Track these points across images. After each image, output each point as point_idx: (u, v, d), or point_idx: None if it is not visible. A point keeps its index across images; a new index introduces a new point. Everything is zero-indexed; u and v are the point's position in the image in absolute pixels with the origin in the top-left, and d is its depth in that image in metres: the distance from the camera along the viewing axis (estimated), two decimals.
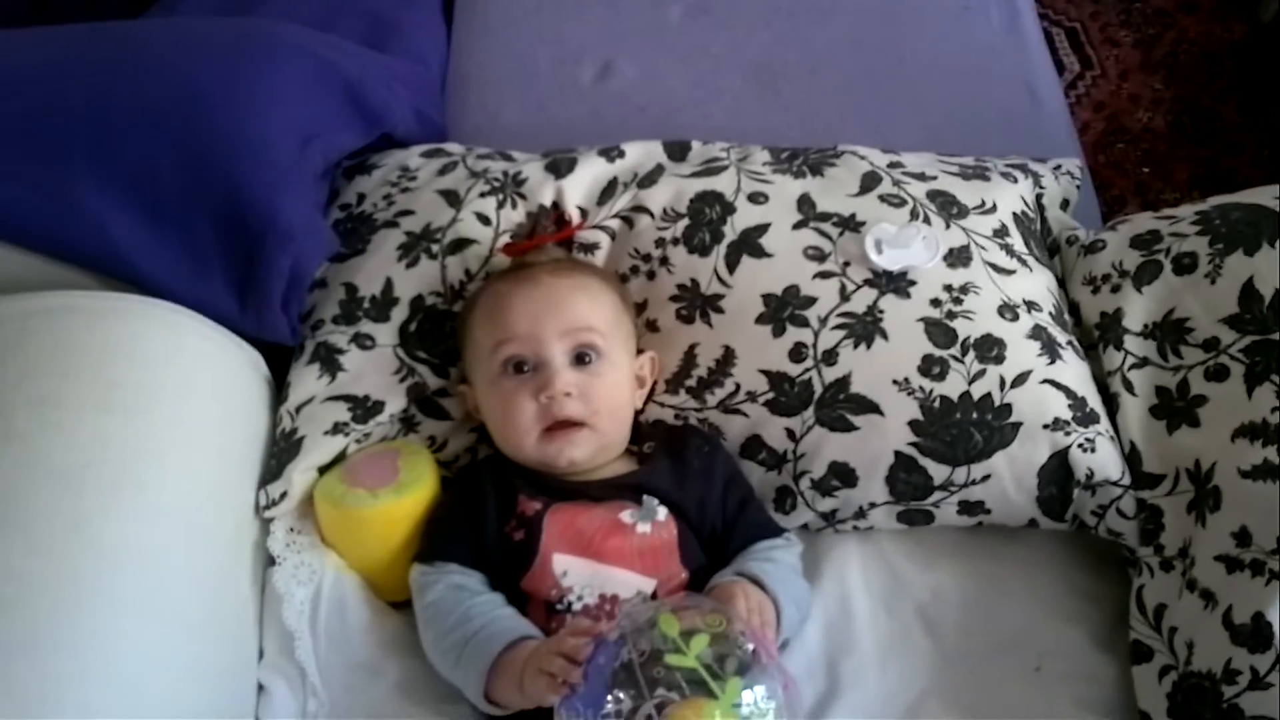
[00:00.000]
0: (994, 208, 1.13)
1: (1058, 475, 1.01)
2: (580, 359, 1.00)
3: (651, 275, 1.11)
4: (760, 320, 1.05)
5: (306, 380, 1.07)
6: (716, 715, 0.75)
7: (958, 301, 1.04)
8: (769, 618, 0.91)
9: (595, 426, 1.00)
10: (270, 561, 1.00)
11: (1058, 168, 1.25)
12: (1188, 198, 1.99)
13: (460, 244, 1.11)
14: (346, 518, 1.02)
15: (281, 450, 1.03)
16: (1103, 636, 1.03)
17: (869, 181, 1.13)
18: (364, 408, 1.06)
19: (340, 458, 1.05)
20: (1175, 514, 0.98)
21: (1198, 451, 0.97)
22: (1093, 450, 1.00)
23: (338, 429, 1.05)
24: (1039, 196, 1.21)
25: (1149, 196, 1.99)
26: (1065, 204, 1.25)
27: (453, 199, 1.14)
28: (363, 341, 1.08)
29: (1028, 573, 1.07)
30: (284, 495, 1.01)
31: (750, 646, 0.80)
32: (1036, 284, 1.09)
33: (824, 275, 1.06)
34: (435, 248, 1.11)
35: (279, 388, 1.10)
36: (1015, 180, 1.18)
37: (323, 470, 1.04)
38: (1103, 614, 1.04)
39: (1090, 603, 1.05)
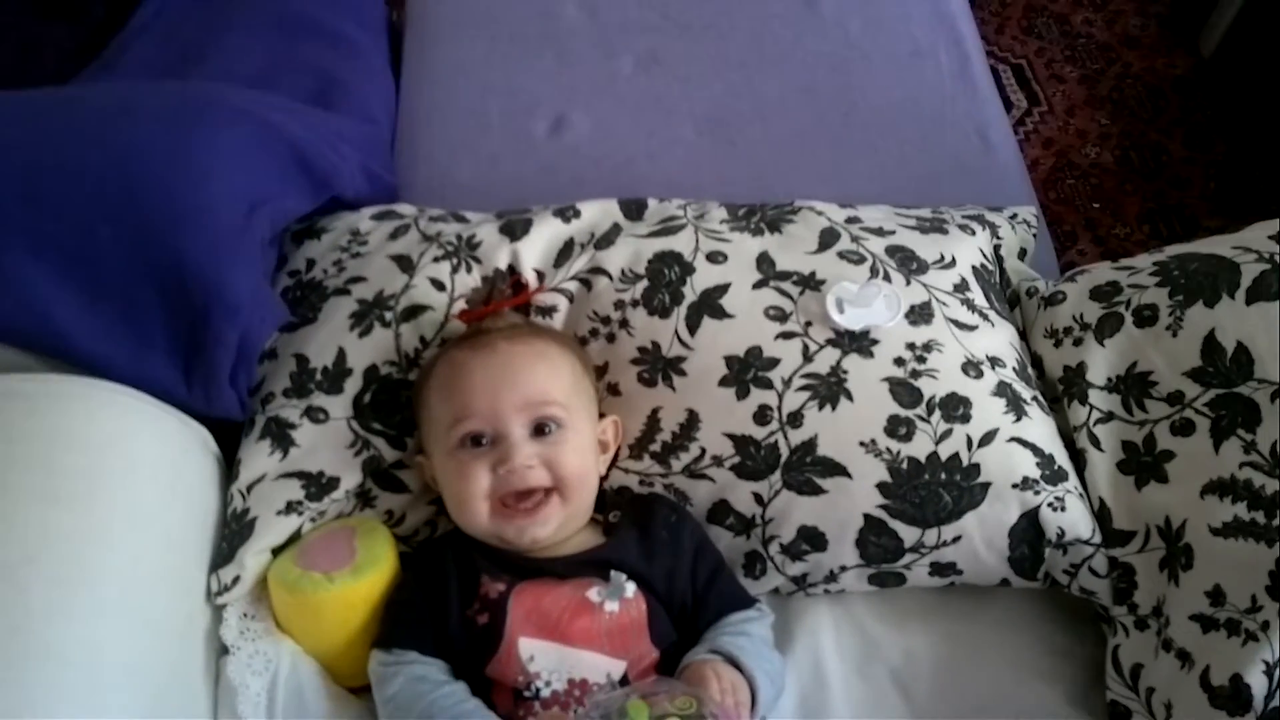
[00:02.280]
0: (953, 262, 1.12)
1: (1028, 535, 1.00)
2: (540, 430, 0.98)
3: (611, 338, 1.09)
4: (723, 382, 1.04)
5: (257, 457, 1.04)
6: None
7: (921, 360, 1.03)
8: (744, 697, 0.89)
9: (563, 495, 0.98)
10: (224, 650, 0.96)
11: (1014, 216, 1.25)
12: (1138, 232, 2.01)
13: (414, 311, 1.08)
14: (302, 603, 0.98)
15: (233, 533, 1.00)
16: (1079, 695, 1.02)
17: (827, 238, 1.12)
18: (318, 484, 1.03)
19: (294, 538, 1.02)
20: (1147, 572, 0.97)
21: (1167, 508, 0.97)
22: (1063, 509, 0.99)
23: (291, 508, 1.02)
24: (997, 248, 1.21)
25: (1099, 231, 2.01)
26: (1023, 253, 1.25)
27: (405, 264, 1.11)
28: (315, 415, 1.05)
29: (1001, 632, 1.06)
30: (236, 580, 0.98)
31: None
32: (999, 339, 1.09)
33: (786, 335, 1.05)
34: (388, 315, 1.08)
35: (230, 465, 1.06)
36: (973, 232, 1.18)
37: (276, 551, 1.01)
38: (1079, 671, 1.04)
39: (1066, 660, 1.05)
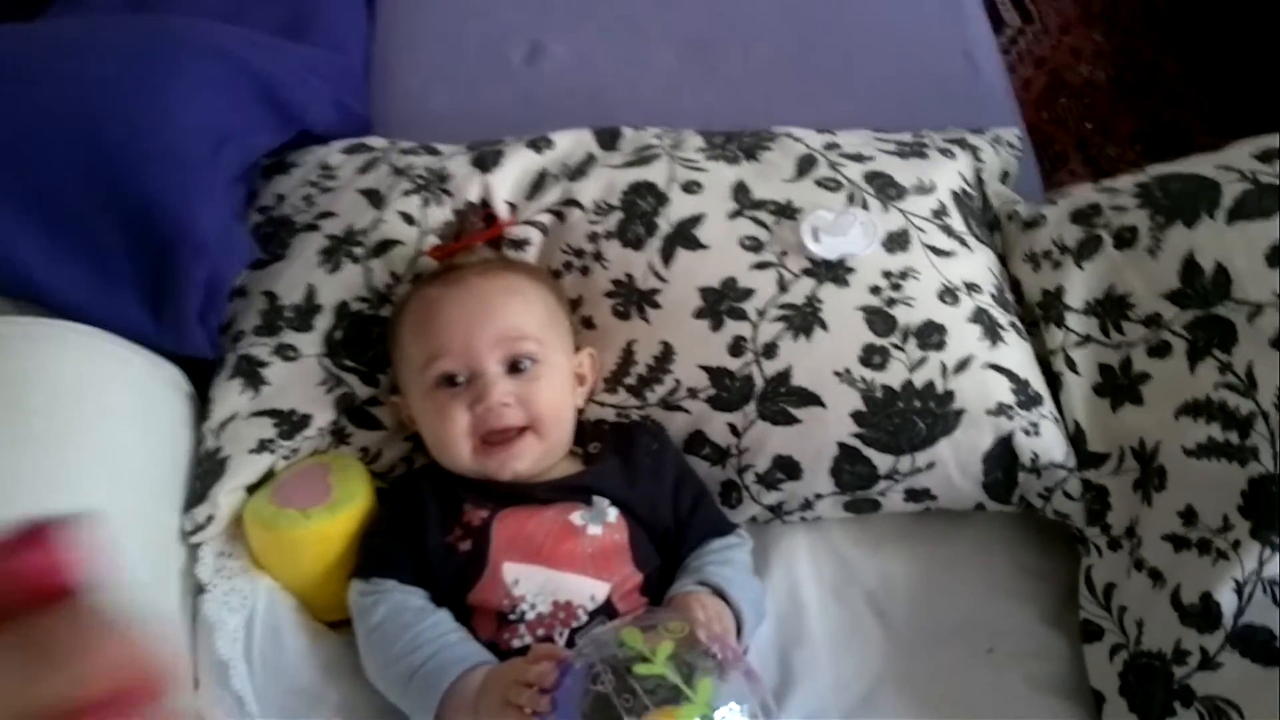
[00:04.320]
0: (932, 187, 1.11)
1: (1003, 460, 0.99)
2: (515, 367, 0.97)
3: (585, 271, 1.07)
4: (698, 314, 1.03)
5: (229, 396, 1.03)
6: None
7: (897, 288, 1.02)
8: (729, 625, 0.90)
9: (538, 432, 0.98)
10: (200, 589, 0.97)
11: (996, 139, 1.23)
12: (1130, 152, 1.98)
13: (385, 246, 1.07)
14: (278, 540, 0.98)
15: (205, 472, 1.00)
16: (1053, 614, 1.02)
17: (805, 165, 1.10)
18: (290, 422, 1.02)
19: (269, 476, 1.02)
20: (1121, 493, 0.97)
21: (1142, 430, 0.96)
22: (1037, 434, 0.99)
23: (264, 446, 1.01)
24: (978, 171, 1.19)
25: (1091, 151, 1.97)
26: (1005, 176, 1.23)
27: (376, 199, 1.10)
28: (286, 352, 1.04)
29: (976, 554, 1.06)
30: (210, 519, 0.98)
31: (716, 650, 0.79)
32: (977, 264, 1.07)
33: (761, 266, 1.03)
34: (359, 251, 1.07)
35: (204, 403, 1.05)
36: (953, 156, 1.16)
37: (251, 490, 1.01)
38: (1052, 591, 1.04)
39: (1040, 581, 1.05)
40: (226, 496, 0.99)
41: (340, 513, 0.98)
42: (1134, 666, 0.92)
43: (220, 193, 1.08)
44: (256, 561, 1.00)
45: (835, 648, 1.00)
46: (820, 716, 0.96)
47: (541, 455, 0.98)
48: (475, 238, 1.06)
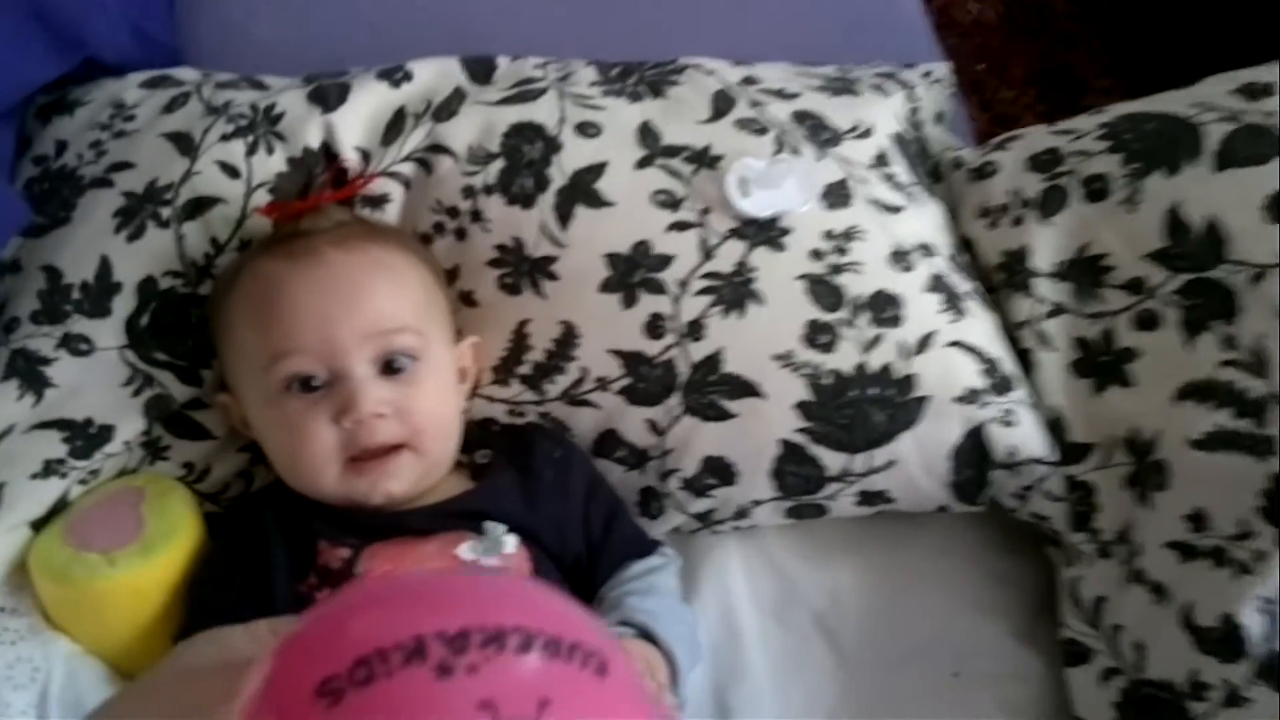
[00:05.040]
0: (870, 130, 0.94)
1: (973, 456, 0.85)
2: (389, 366, 0.76)
3: (461, 234, 0.87)
4: (605, 287, 0.84)
5: (2, 403, 0.81)
6: None
7: (841, 251, 0.86)
8: (662, 678, 0.73)
9: (418, 448, 0.78)
10: None
11: (927, 74, 1.07)
12: (1025, 95, 1.88)
13: (200, 205, 0.85)
14: (76, 595, 0.77)
15: None
16: (1026, 629, 0.89)
17: (721, 103, 0.92)
18: (86, 435, 0.81)
19: (60, 507, 0.80)
20: (1111, 491, 0.83)
21: (1134, 417, 0.83)
22: (1013, 424, 0.84)
23: (50, 469, 0.80)
24: (914, 111, 1.03)
25: (986, 94, 1.87)
26: (940, 117, 1.08)
27: (186, 144, 0.87)
28: (76, 345, 0.82)
29: (936, 562, 0.92)
30: None
31: None
32: (927, 221, 0.92)
33: (680, 226, 0.85)
34: (166, 212, 0.85)
35: None
36: (887, 94, 0.99)
37: (37, 526, 0.79)
38: (1024, 601, 0.91)
39: (1009, 589, 0.91)
40: (4, 537, 0.79)
41: (156, 555, 0.77)
42: (1135, 697, 0.79)
43: None
44: (50, 620, 0.78)
45: (780, 680, 0.86)
46: None
47: (422, 474, 0.79)
48: (324, 198, 0.84)
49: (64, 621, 0.78)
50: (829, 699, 0.86)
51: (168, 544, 0.78)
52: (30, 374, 0.81)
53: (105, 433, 0.81)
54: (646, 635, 0.75)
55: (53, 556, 0.77)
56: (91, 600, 0.76)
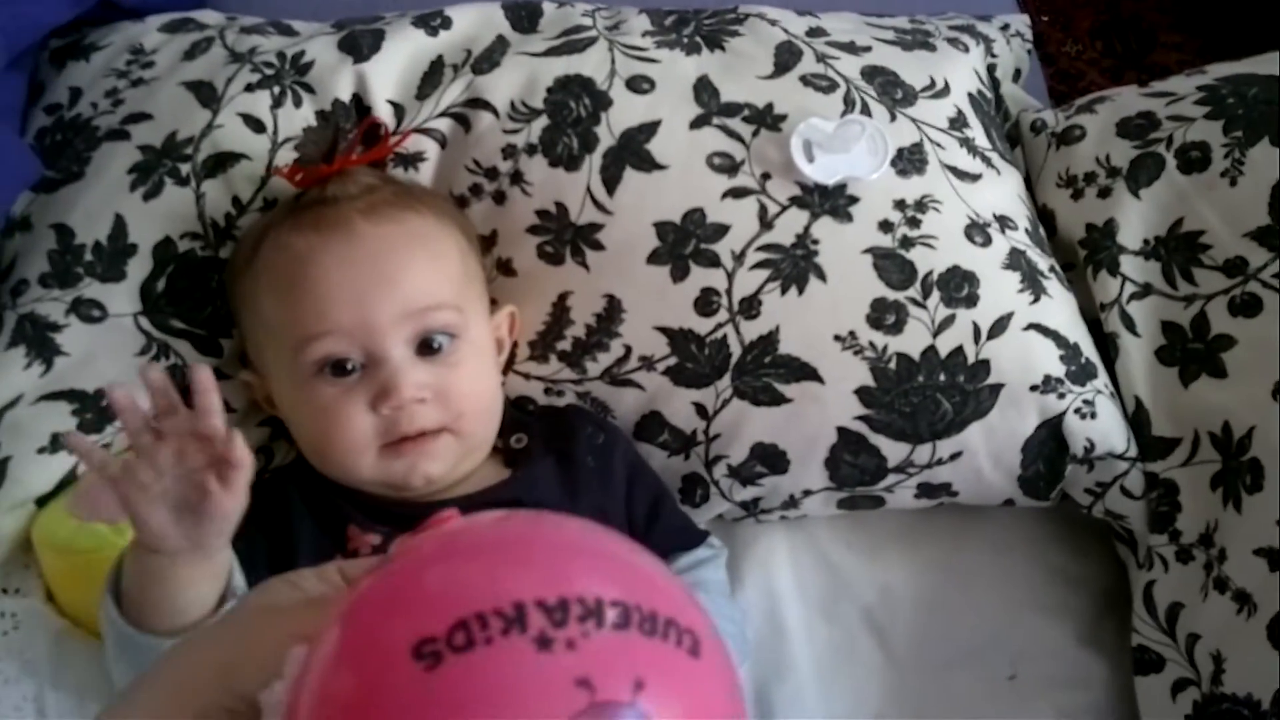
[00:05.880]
0: (946, 89, 0.87)
1: (1047, 449, 0.79)
2: (427, 345, 0.71)
3: (501, 198, 0.81)
4: (654, 259, 0.78)
5: (9, 372, 0.76)
6: None
7: (914, 223, 0.79)
8: None
9: (459, 431, 0.73)
10: None
11: (1005, 28, 0.99)
12: (1091, 49, 1.79)
13: (222, 161, 0.80)
14: (82, 567, 0.73)
15: None
16: (1090, 632, 0.85)
17: (785, 56, 0.85)
18: (97, 408, 0.76)
19: (68, 483, 0.76)
20: (1195, 491, 0.77)
21: (1225, 410, 0.76)
22: (1092, 416, 0.78)
23: (59, 443, 0.75)
24: (991, 68, 0.95)
25: (1049, 48, 1.78)
26: (1017, 74, 1.00)
27: (208, 95, 0.82)
28: (87, 311, 0.77)
29: (995, 558, 0.87)
30: None
31: None
32: (1005, 190, 0.85)
33: (737, 193, 0.79)
34: (185, 168, 0.80)
35: None
36: (965, 49, 0.92)
37: (42, 502, 0.75)
38: (1089, 603, 0.86)
39: (1072, 588, 0.87)
40: (7, 515, 0.74)
41: None
42: (1209, 712, 0.73)
43: None
44: (55, 601, 0.75)
45: (825, 678, 0.82)
46: None
47: (461, 456, 0.74)
48: (354, 160, 0.78)
49: (68, 597, 0.75)
50: (875, 700, 0.82)
51: None
52: (39, 341, 0.76)
53: None
54: None
55: (57, 528, 0.74)
56: (98, 572, 0.71)
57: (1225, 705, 0.72)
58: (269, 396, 0.76)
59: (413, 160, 0.82)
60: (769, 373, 0.77)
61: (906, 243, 0.78)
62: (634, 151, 0.80)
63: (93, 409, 0.76)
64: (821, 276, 0.77)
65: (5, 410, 0.75)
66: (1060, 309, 0.81)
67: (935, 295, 0.78)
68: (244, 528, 0.74)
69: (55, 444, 0.74)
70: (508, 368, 0.81)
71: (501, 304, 0.80)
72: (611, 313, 0.79)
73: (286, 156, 0.81)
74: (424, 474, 0.72)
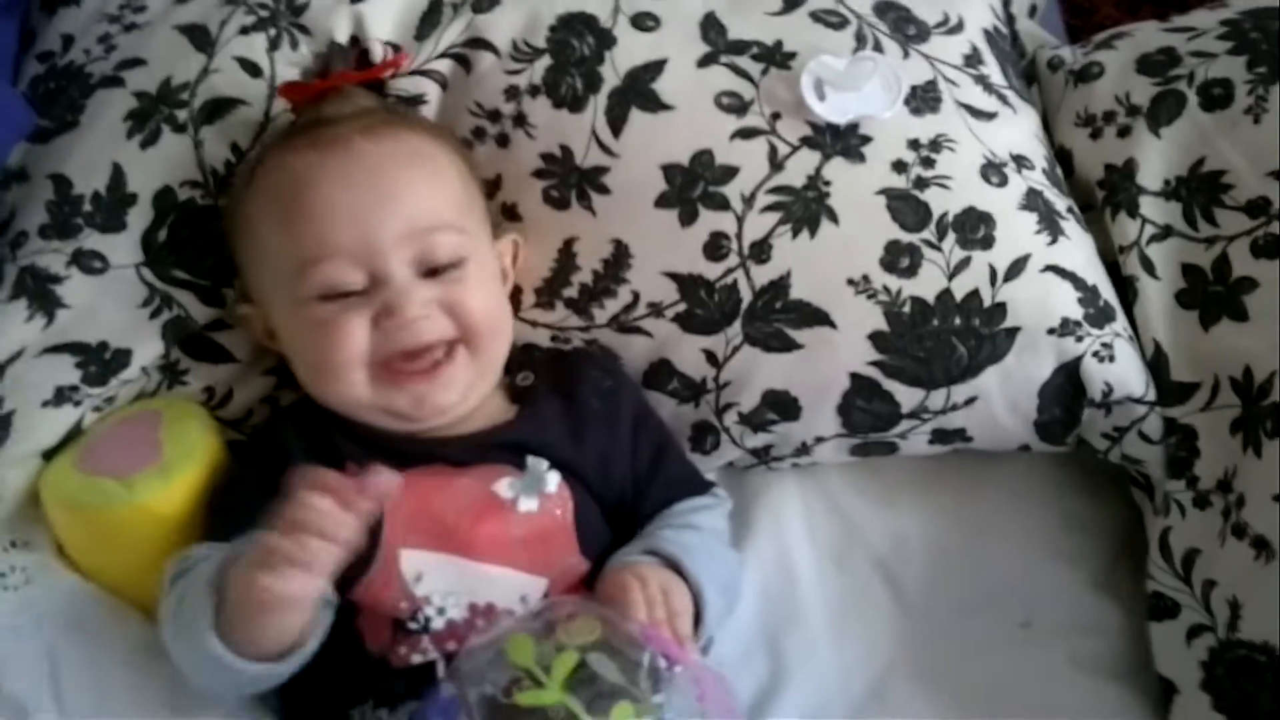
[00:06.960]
0: (960, 24, 0.86)
1: (1064, 393, 0.79)
2: (431, 269, 0.71)
3: (504, 140, 0.81)
4: (661, 202, 0.78)
5: (10, 325, 0.76)
6: None
7: (928, 163, 0.78)
8: (679, 605, 0.68)
9: (473, 345, 0.73)
10: None
11: None
12: None
13: (219, 107, 0.80)
14: (91, 522, 0.74)
15: None
16: (1105, 578, 0.85)
17: None
18: (100, 361, 0.76)
19: (74, 436, 0.76)
20: (1214, 436, 0.77)
21: (1247, 354, 0.76)
22: (1110, 359, 0.78)
23: (63, 396, 0.76)
24: (1006, 3, 0.93)
25: None
26: (1033, 10, 0.99)
27: (202, 38, 0.82)
28: (88, 262, 0.77)
29: (1009, 505, 0.87)
30: None
31: (646, 656, 0.60)
32: (1022, 130, 0.84)
33: (746, 134, 0.78)
34: (182, 115, 0.79)
35: None
36: None
37: (49, 456, 0.76)
38: (1104, 548, 0.86)
39: (1087, 534, 0.87)
40: (13, 468, 0.75)
41: (175, 478, 0.73)
42: (1225, 658, 0.74)
43: None
44: (65, 555, 0.76)
45: (836, 627, 0.83)
46: (820, 715, 0.79)
47: (474, 380, 0.74)
48: (350, 76, 0.77)
49: (77, 554, 0.75)
50: (888, 648, 0.82)
51: (186, 468, 0.73)
52: (40, 293, 0.76)
53: (121, 357, 0.76)
54: (672, 565, 0.70)
55: (65, 483, 0.74)
56: (107, 527, 0.73)
57: (1242, 652, 0.73)
58: (269, 329, 0.76)
59: (413, 103, 0.82)
60: (780, 318, 0.77)
61: (921, 183, 0.78)
62: (640, 92, 0.79)
63: (96, 361, 0.76)
64: (834, 219, 0.77)
65: (8, 364, 0.75)
66: (1078, 250, 0.80)
67: (950, 237, 0.77)
68: (241, 471, 0.75)
69: (59, 397, 0.75)
70: (513, 311, 0.80)
71: (505, 233, 0.79)
72: (619, 258, 0.78)
73: (283, 103, 0.79)
74: (435, 404, 0.72)
